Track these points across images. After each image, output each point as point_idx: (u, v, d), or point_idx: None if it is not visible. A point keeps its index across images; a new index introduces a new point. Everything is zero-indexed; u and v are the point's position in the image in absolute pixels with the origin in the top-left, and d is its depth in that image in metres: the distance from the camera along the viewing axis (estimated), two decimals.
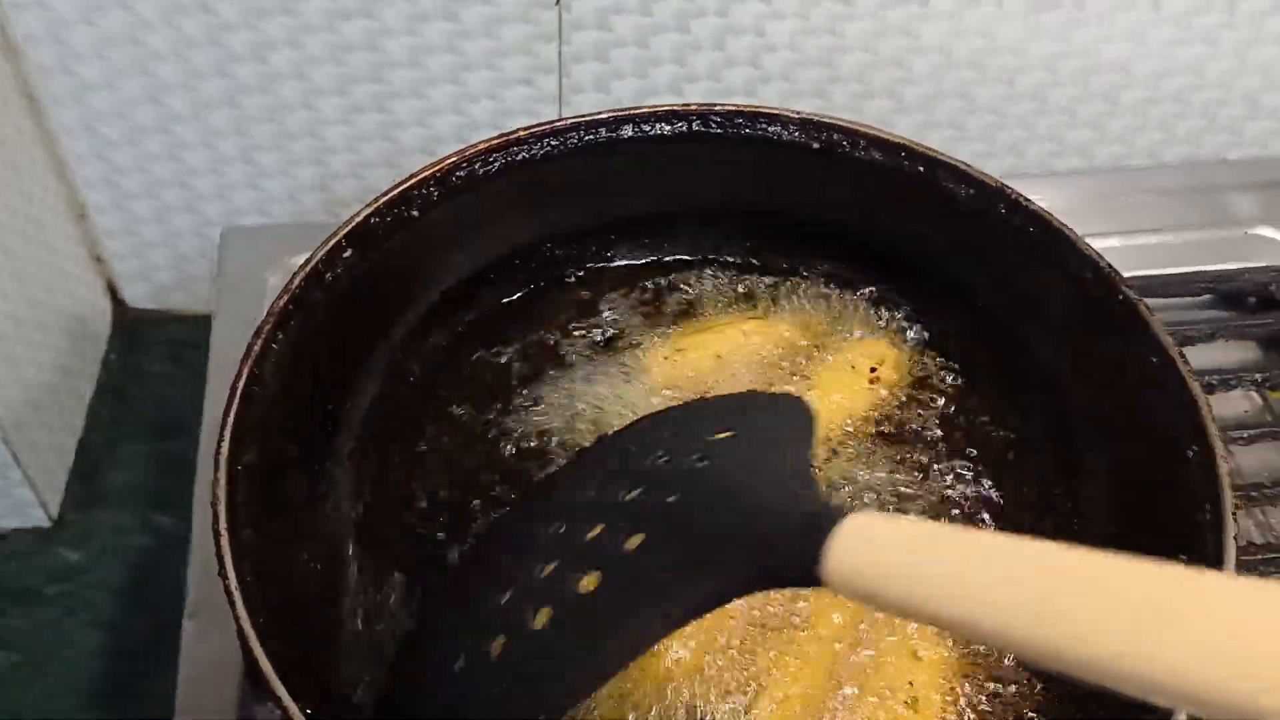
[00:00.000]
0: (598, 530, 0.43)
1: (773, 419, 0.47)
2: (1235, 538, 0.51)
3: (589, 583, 0.41)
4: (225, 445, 0.50)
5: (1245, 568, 0.65)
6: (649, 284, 0.70)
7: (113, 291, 1.01)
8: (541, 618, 0.42)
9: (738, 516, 0.39)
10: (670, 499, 0.41)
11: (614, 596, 0.40)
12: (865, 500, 0.60)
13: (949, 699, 0.54)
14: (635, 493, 0.43)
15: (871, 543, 0.36)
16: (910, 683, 0.54)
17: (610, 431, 0.56)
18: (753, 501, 0.39)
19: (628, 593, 0.40)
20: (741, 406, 0.49)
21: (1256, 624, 0.29)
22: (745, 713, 0.53)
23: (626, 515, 0.43)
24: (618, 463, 0.47)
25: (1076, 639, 0.30)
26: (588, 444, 0.59)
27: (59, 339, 0.91)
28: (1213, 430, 0.54)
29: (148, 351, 1.01)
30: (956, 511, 0.61)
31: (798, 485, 0.40)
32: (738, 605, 0.55)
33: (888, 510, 0.60)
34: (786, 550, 0.37)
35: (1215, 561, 0.50)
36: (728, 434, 0.44)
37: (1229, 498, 0.52)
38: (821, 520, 0.36)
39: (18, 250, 0.85)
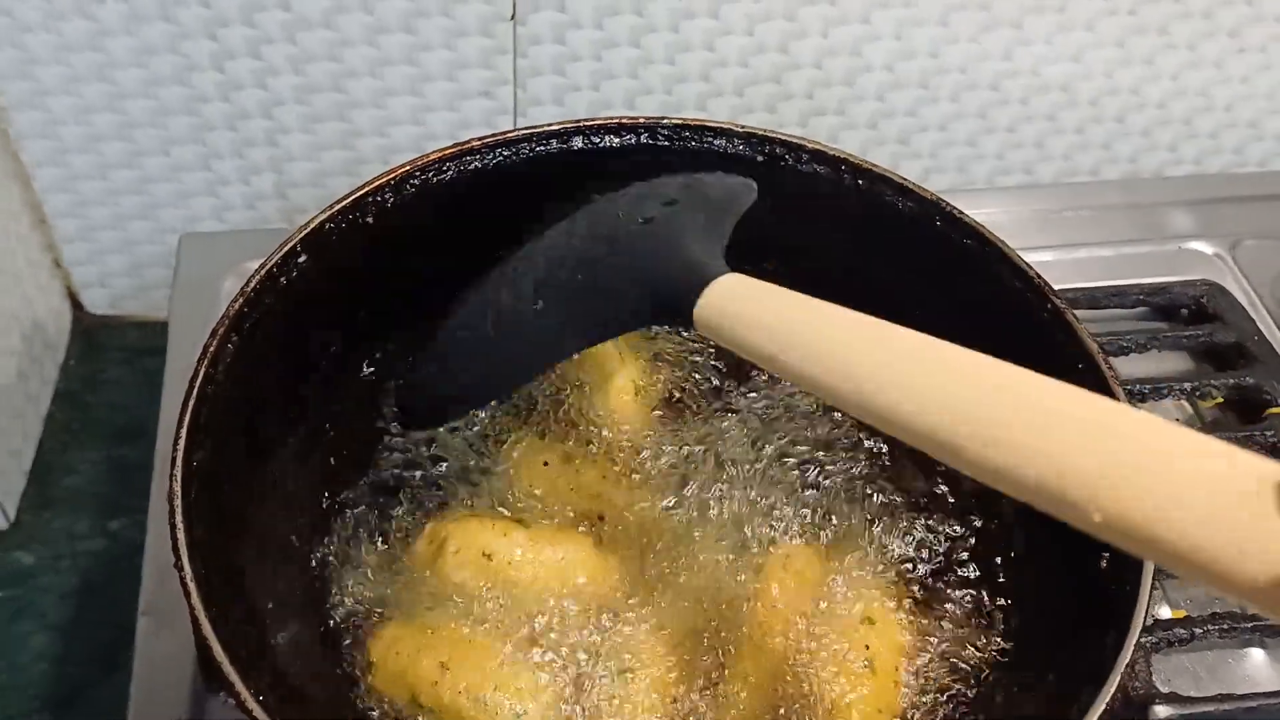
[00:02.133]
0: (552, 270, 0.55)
1: (716, 194, 0.57)
2: None
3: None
4: (181, 442, 0.51)
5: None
6: None
7: (72, 297, 1.02)
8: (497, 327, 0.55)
9: (647, 266, 0.51)
10: (604, 250, 0.53)
11: (550, 319, 0.53)
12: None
13: (903, 660, 0.58)
14: (587, 245, 0.54)
15: (738, 297, 0.46)
16: (867, 646, 0.57)
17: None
18: (662, 257, 0.51)
19: (560, 317, 0.53)
20: (692, 183, 0.57)
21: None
22: (713, 687, 0.56)
23: (574, 257, 0.54)
24: (585, 221, 0.56)
25: (893, 400, 0.39)
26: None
27: (17, 343, 0.91)
28: None
29: (105, 357, 1.01)
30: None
31: (700, 249, 0.50)
32: (702, 587, 0.59)
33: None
34: (672, 295, 0.48)
35: (1135, 564, 0.52)
36: (674, 205, 0.54)
37: None
38: (703, 274, 0.47)
39: None
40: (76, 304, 1.02)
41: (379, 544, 0.60)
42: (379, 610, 0.57)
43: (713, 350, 0.69)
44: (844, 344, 0.41)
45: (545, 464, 0.63)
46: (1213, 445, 0.35)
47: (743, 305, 0.46)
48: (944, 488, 0.64)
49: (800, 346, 0.42)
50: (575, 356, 0.62)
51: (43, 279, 0.97)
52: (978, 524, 0.63)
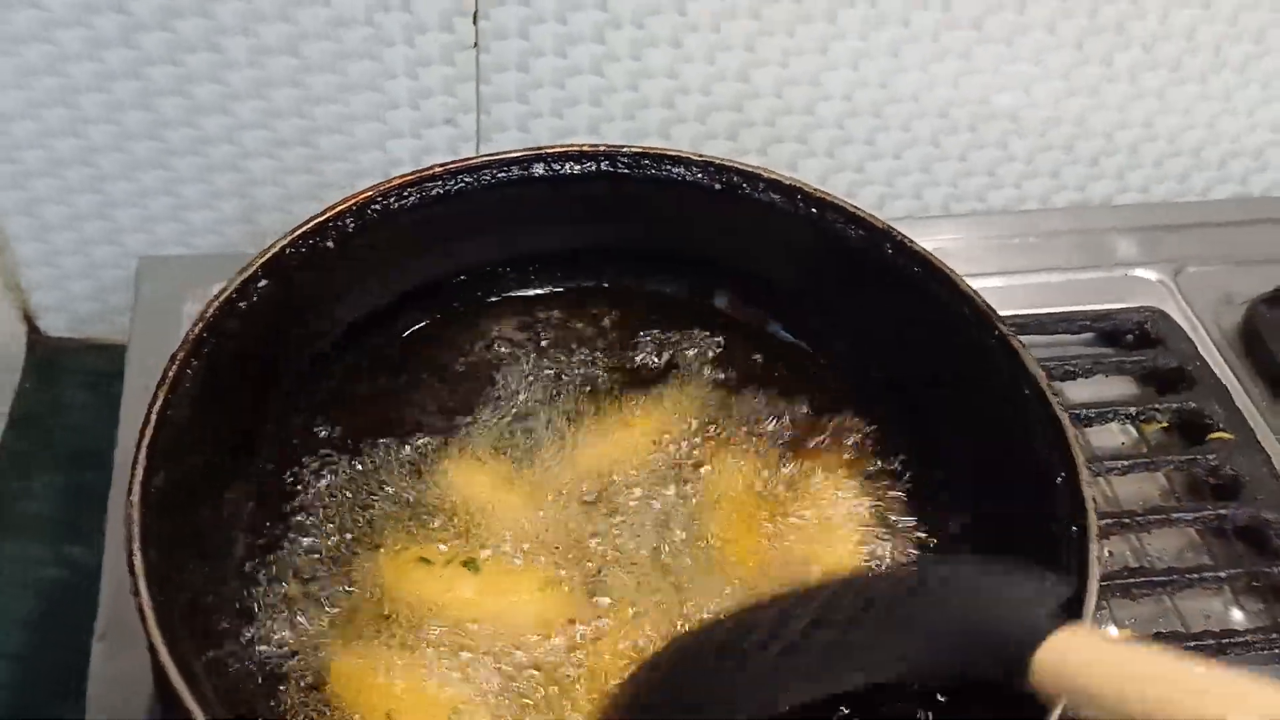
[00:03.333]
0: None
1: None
2: (1099, 557, 0.55)
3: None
4: (140, 468, 0.51)
5: (1120, 590, 0.69)
6: (556, 313, 0.73)
7: (29, 320, 1.01)
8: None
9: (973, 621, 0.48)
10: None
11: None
12: None
13: None
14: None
15: (1074, 653, 0.45)
16: None
17: None
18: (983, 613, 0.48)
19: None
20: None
21: None
22: None
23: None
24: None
25: None
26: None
27: None
28: (1079, 457, 0.58)
29: (64, 381, 1.01)
30: None
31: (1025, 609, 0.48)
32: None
33: None
34: (1002, 651, 0.46)
35: (1081, 571, 0.54)
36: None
37: (1094, 520, 0.56)
38: (1034, 633, 0.45)
39: None
40: (33, 327, 1.01)
41: (333, 569, 0.59)
42: (332, 638, 0.56)
43: None
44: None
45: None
46: None
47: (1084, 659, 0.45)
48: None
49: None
50: None
51: None
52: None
